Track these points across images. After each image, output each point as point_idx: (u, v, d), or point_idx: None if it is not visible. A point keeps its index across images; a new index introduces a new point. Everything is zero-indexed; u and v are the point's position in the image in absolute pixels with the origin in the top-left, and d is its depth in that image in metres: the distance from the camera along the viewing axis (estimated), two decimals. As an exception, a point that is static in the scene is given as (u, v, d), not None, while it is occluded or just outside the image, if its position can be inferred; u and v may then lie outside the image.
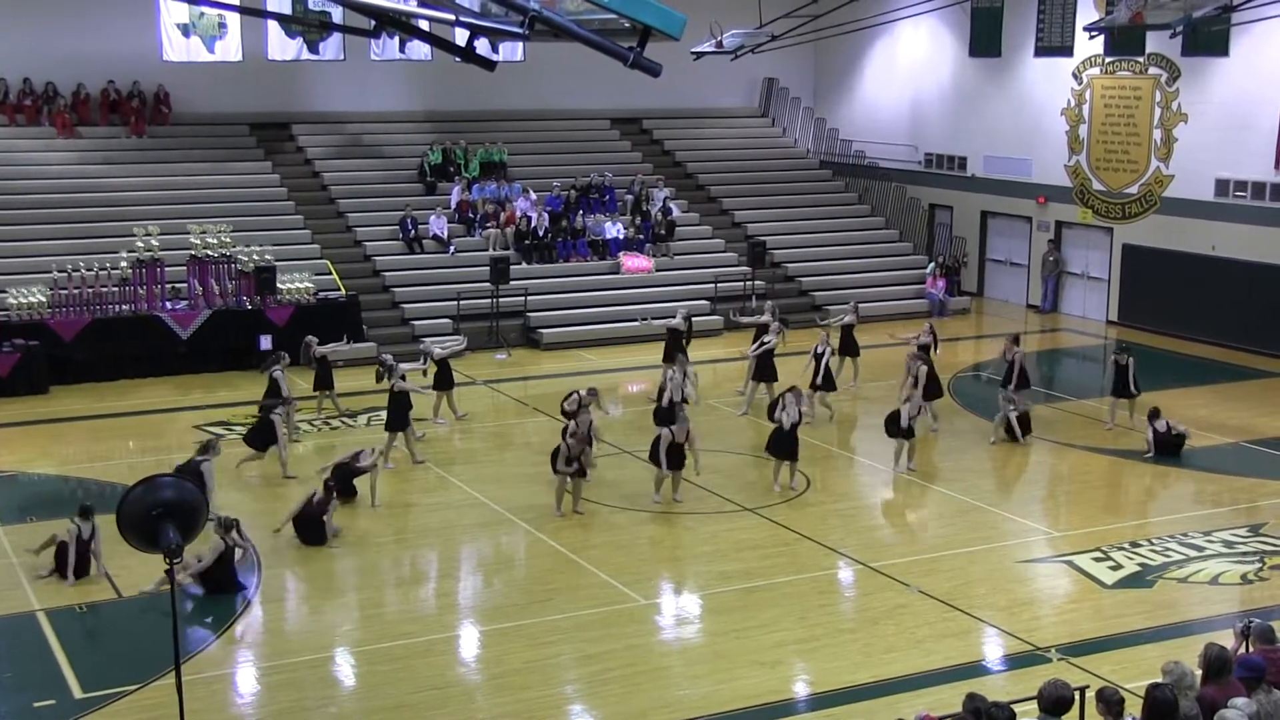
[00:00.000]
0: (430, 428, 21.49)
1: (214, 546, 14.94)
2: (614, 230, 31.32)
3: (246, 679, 13.13)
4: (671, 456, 17.84)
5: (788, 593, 15.07)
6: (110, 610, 14.71)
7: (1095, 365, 27.47)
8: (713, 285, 30.19)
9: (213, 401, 23.32)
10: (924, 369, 21.35)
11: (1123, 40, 29.39)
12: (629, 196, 32.72)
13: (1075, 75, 31.15)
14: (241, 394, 23.40)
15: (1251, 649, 10.11)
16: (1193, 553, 16.30)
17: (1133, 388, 21.67)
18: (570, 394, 19.84)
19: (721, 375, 25.35)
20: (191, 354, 25.25)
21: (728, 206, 34.43)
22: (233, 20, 31.79)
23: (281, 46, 32.83)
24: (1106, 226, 30.90)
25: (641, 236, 31.59)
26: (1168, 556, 16.18)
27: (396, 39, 31.76)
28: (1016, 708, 9.04)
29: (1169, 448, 20.29)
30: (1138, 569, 15.77)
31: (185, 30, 31.63)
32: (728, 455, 20.31)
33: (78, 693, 12.65)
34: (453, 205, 31.34)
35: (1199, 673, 9.44)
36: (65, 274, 24.83)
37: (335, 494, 16.72)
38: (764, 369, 22.76)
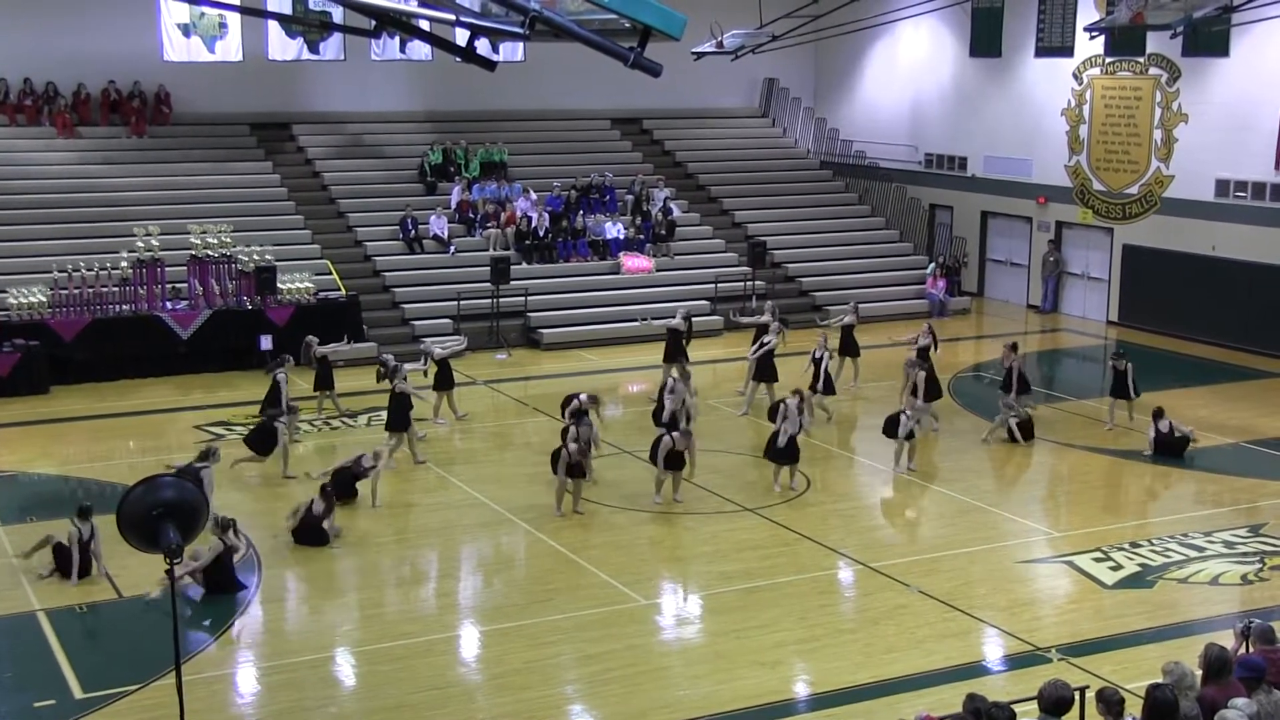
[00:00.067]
0: (431, 428, 21.49)
1: (212, 547, 14.94)
2: (614, 230, 31.32)
3: (247, 679, 13.13)
4: (670, 460, 17.89)
5: (788, 593, 15.07)
6: (110, 610, 14.71)
7: (1095, 365, 27.47)
8: (713, 285, 30.19)
9: (213, 401, 23.32)
10: (922, 374, 21.37)
11: (1123, 40, 29.39)
12: (629, 197, 32.73)
13: (1076, 75, 31.15)
14: (242, 394, 23.40)
15: (1252, 649, 10.11)
16: (1193, 553, 16.30)
17: (1132, 391, 21.68)
18: (570, 398, 19.87)
19: (722, 375, 25.35)
20: (192, 354, 25.25)
21: (728, 207, 34.43)
22: (233, 20, 31.79)
23: (282, 46, 32.84)
24: (1107, 227, 30.90)
25: (642, 237, 31.59)
26: (1168, 557, 16.18)
27: (397, 39, 31.79)
28: (1017, 708, 9.05)
29: (1170, 448, 20.28)
30: (1138, 569, 15.77)
31: (186, 30, 31.63)
32: (728, 455, 20.31)
33: (78, 693, 12.65)
34: (453, 205, 31.35)
35: (1199, 673, 9.44)
36: (66, 274, 24.84)
37: (333, 499, 16.71)
38: (764, 369, 22.76)
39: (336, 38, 32.77)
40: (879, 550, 16.49)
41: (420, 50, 32.77)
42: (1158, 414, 20.42)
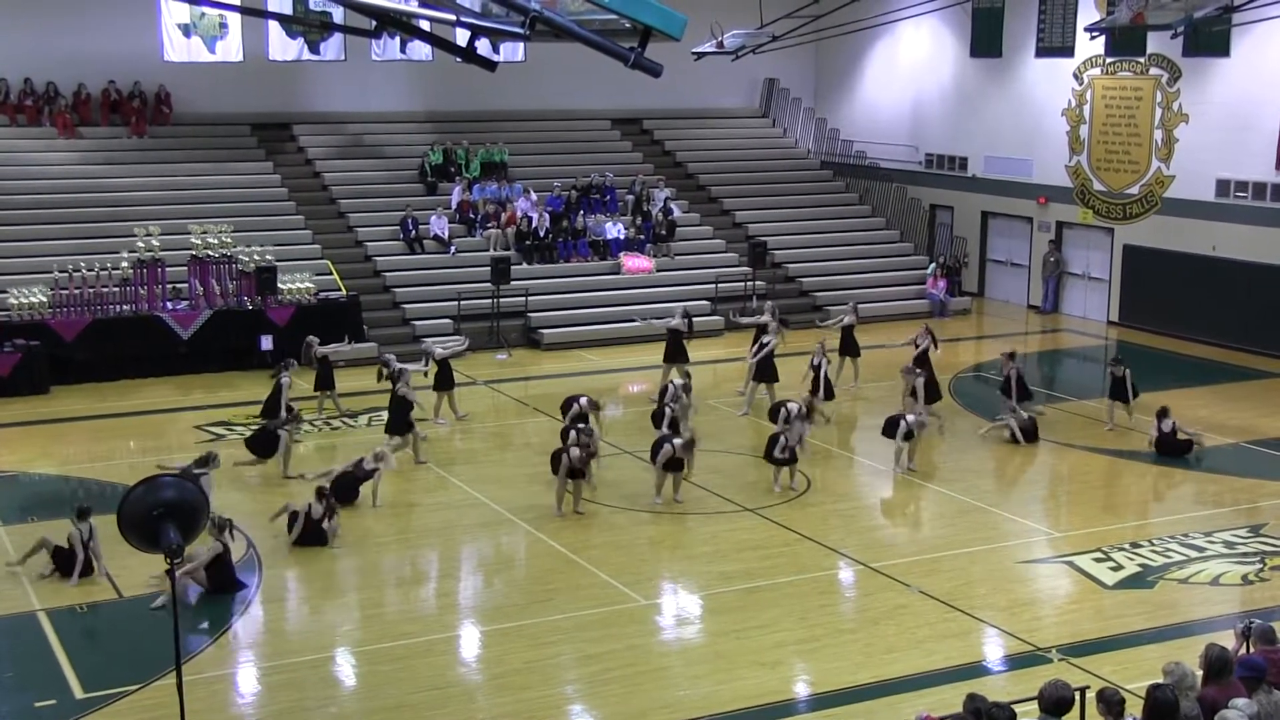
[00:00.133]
0: (431, 428, 21.49)
1: (210, 548, 14.93)
2: (615, 230, 31.32)
3: (247, 679, 13.13)
4: (669, 463, 17.91)
5: (788, 593, 15.07)
6: (111, 610, 14.71)
7: (1096, 366, 27.45)
8: (713, 286, 30.19)
9: (214, 402, 23.32)
10: (920, 381, 21.35)
11: (1124, 41, 29.38)
12: (630, 197, 32.73)
13: (1076, 76, 31.15)
14: (242, 394, 23.41)
15: (1252, 649, 10.11)
16: (1193, 553, 16.29)
17: (1130, 394, 21.68)
18: (570, 401, 19.86)
19: (722, 375, 25.34)
20: (192, 354, 25.25)
21: (728, 207, 34.43)
22: (234, 20, 31.78)
23: (282, 47, 32.83)
24: (1107, 227, 30.89)
25: (642, 237, 31.59)
26: (1168, 557, 16.18)
27: (397, 39, 31.80)
28: (1017, 708, 9.05)
29: (1172, 448, 20.28)
30: (1138, 569, 15.77)
31: (186, 30, 31.62)
32: (728, 455, 20.31)
33: (79, 693, 12.65)
34: (453, 205, 31.35)
35: (1200, 673, 9.44)
36: (66, 274, 24.84)
37: (332, 501, 16.70)
38: (765, 369, 22.75)
39: (337, 38, 32.77)
40: (879, 550, 16.49)
41: (421, 50, 32.76)
42: (1162, 413, 20.41)
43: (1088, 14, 29.75)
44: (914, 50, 35.31)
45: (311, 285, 26.57)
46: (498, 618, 14.50)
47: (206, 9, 29.83)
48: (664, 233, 31.72)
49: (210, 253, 25.99)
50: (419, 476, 19.42)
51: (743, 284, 30.51)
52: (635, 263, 30.72)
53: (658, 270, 30.77)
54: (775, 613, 14.47)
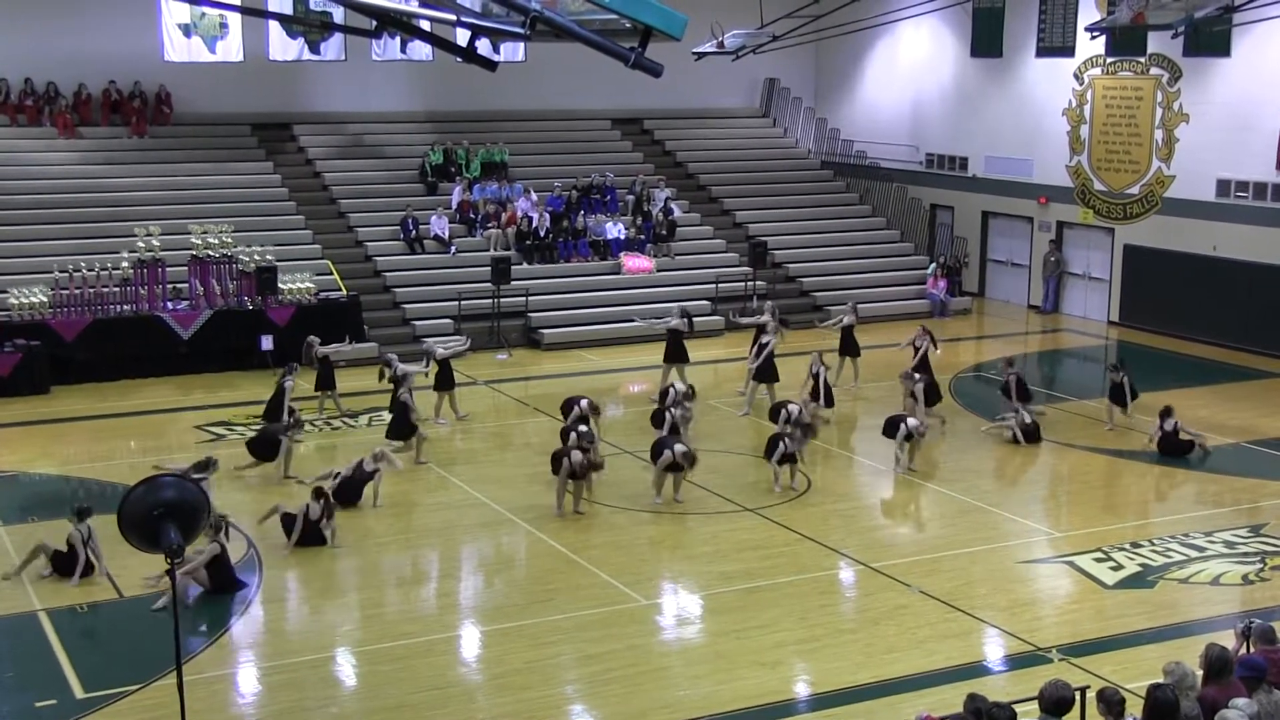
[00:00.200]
0: (431, 428, 21.48)
1: (209, 549, 14.92)
2: (615, 230, 31.32)
3: (247, 679, 13.13)
4: (669, 466, 17.90)
5: (788, 593, 15.07)
6: (111, 610, 14.71)
7: (1096, 366, 27.43)
8: (714, 286, 30.19)
9: (214, 402, 23.32)
10: (920, 385, 21.34)
11: (1124, 40, 29.38)
12: (630, 197, 32.73)
13: (1076, 76, 31.15)
14: (243, 394, 23.42)
15: (1252, 649, 10.11)
16: (1194, 553, 16.29)
17: (1129, 397, 21.68)
18: (570, 403, 19.84)
19: (722, 375, 25.34)
20: (193, 354, 25.24)
21: (729, 207, 34.43)
22: (234, 20, 31.77)
23: (283, 47, 32.82)
24: (1108, 227, 30.89)
25: (643, 237, 31.60)
26: (1169, 557, 16.18)
27: (398, 39, 31.79)
28: (1017, 708, 9.05)
29: (1174, 448, 20.27)
30: (1139, 569, 15.77)
31: (186, 30, 31.62)
32: (728, 455, 20.31)
33: (79, 693, 12.65)
34: (454, 205, 31.35)
35: (1200, 673, 9.45)
36: (66, 274, 24.85)
37: (331, 502, 16.69)
38: (765, 369, 22.75)
39: (337, 38, 32.77)
40: (879, 550, 16.49)
41: (421, 50, 32.76)
42: (1165, 413, 20.40)
43: (1088, 14, 29.75)
44: (914, 50, 35.31)
45: (312, 285, 26.57)
46: (498, 618, 14.49)
47: (207, 9, 29.83)
48: (664, 233, 31.72)
49: (210, 253, 25.99)
50: (419, 476, 19.42)
51: (743, 284, 30.50)
52: (635, 263, 30.73)
53: (658, 270, 30.76)
54: (775, 613, 14.47)
